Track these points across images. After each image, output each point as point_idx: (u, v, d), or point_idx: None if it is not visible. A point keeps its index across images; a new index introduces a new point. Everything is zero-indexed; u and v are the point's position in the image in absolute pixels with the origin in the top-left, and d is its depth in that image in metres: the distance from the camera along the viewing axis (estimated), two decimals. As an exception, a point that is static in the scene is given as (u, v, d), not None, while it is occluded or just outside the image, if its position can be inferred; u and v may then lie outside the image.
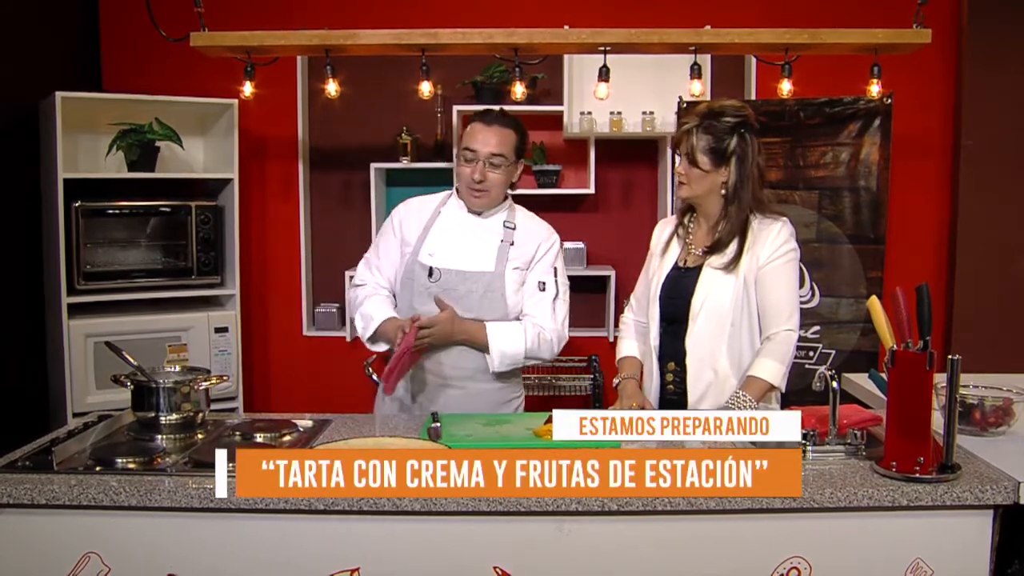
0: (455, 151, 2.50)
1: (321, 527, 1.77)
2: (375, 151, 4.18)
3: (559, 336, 2.44)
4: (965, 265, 4.09)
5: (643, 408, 2.24)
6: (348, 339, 4.22)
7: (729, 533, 1.77)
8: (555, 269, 2.48)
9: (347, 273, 4.07)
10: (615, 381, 2.40)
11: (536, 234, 2.49)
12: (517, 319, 2.43)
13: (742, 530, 1.77)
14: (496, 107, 2.54)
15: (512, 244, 2.44)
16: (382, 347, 2.44)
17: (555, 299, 2.46)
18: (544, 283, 2.46)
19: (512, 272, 2.42)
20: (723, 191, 2.25)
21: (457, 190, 2.50)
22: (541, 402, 3.95)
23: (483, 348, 2.38)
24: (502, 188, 2.43)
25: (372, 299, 2.45)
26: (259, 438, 2.13)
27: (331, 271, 4.31)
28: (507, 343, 2.38)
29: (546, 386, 4.02)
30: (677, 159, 2.31)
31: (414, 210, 2.52)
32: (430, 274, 2.40)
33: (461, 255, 2.42)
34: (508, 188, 2.48)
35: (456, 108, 4.03)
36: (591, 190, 4.11)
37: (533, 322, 2.42)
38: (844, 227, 3.75)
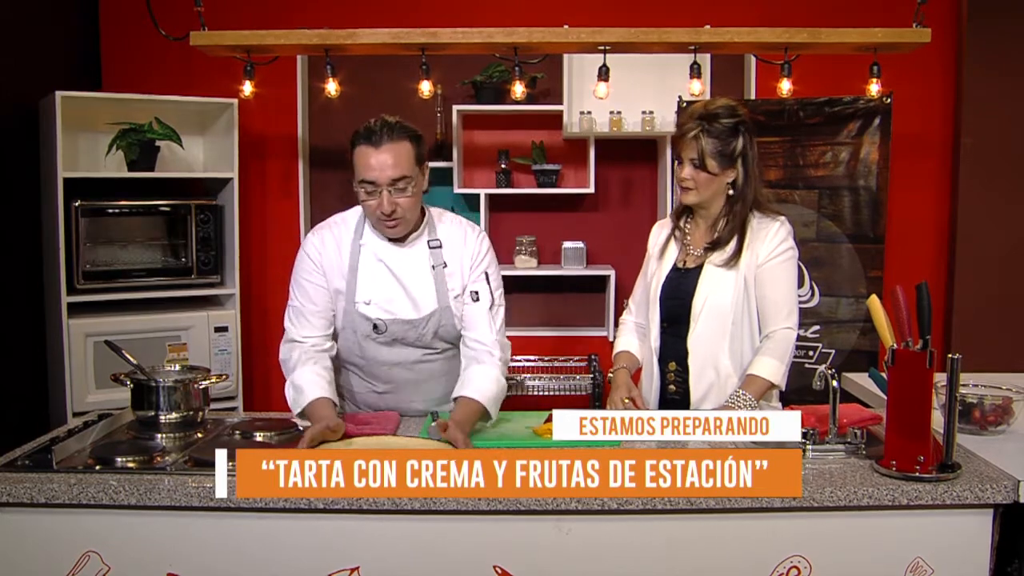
0: (355, 180, 2.15)
1: (321, 526, 1.77)
2: (375, 150, 4.18)
3: (503, 347, 2.29)
4: (965, 264, 4.09)
5: (633, 398, 2.25)
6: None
7: (729, 532, 1.78)
8: (486, 275, 2.30)
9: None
10: (609, 373, 2.41)
11: (462, 245, 2.29)
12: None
13: (742, 529, 1.77)
14: (375, 121, 2.13)
15: (445, 266, 2.26)
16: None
17: (491, 307, 2.28)
18: (477, 292, 2.28)
19: (455, 301, 2.27)
20: (730, 191, 2.25)
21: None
22: (541, 402, 3.95)
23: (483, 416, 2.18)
24: (416, 207, 2.19)
25: (305, 367, 2.20)
26: (259, 437, 2.13)
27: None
28: (498, 398, 2.21)
29: (546, 386, 4.02)
30: (677, 164, 2.29)
31: (330, 246, 2.26)
32: (375, 327, 2.23)
33: (401, 301, 2.23)
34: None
35: (456, 108, 4.03)
36: (591, 190, 4.10)
37: (489, 357, 2.24)
38: (844, 226, 3.75)
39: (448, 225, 2.33)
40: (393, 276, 2.24)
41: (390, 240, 2.24)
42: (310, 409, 2.12)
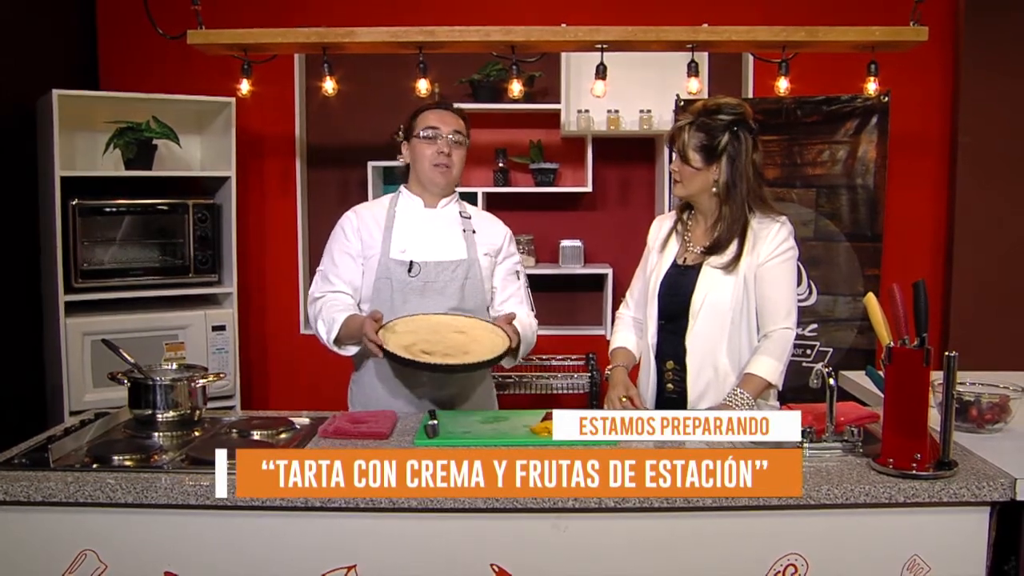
0: (415, 133, 2.45)
1: (318, 524, 1.77)
2: (373, 149, 4.17)
3: (536, 324, 2.52)
4: (962, 262, 4.10)
5: (630, 396, 2.25)
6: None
7: (726, 530, 1.78)
8: (520, 259, 2.61)
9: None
10: (607, 371, 2.40)
11: (494, 224, 2.56)
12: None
13: (739, 527, 1.77)
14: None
15: (475, 232, 2.48)
16: (351, 350, 2.35)
17: (527, 288, 2.57)
18: (519, 272, 2.56)
19: (484, 258, 2.46)
20: (714, 189, 2.25)
21: (404, 188, 2.51)
22: (539, 400, 3.95)
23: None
24: (461, 167, 2.48)
25: (330, 304, 2.38)
26: (256, 435, 2.12)
27: (329, 269, 4.31)
28: (529, 339, 2.43)
29: (544, 384, 4.02)
30: (672, 156, 2.31)
31: (367, 214, 2.49)
32: (410, 269, 2.39)
33: (433, 246, 2.43)
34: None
35: (454, 106, 4.02)
36: (588, 188, 4.11)
37: (527, 313, 2.48)
38: (841, 225, 3.75)
39: (476, 210, 2.60)
40: (426, 230, 2.46)
41: (425, 206, 2.48)
42: (344, 328, 2.31)
